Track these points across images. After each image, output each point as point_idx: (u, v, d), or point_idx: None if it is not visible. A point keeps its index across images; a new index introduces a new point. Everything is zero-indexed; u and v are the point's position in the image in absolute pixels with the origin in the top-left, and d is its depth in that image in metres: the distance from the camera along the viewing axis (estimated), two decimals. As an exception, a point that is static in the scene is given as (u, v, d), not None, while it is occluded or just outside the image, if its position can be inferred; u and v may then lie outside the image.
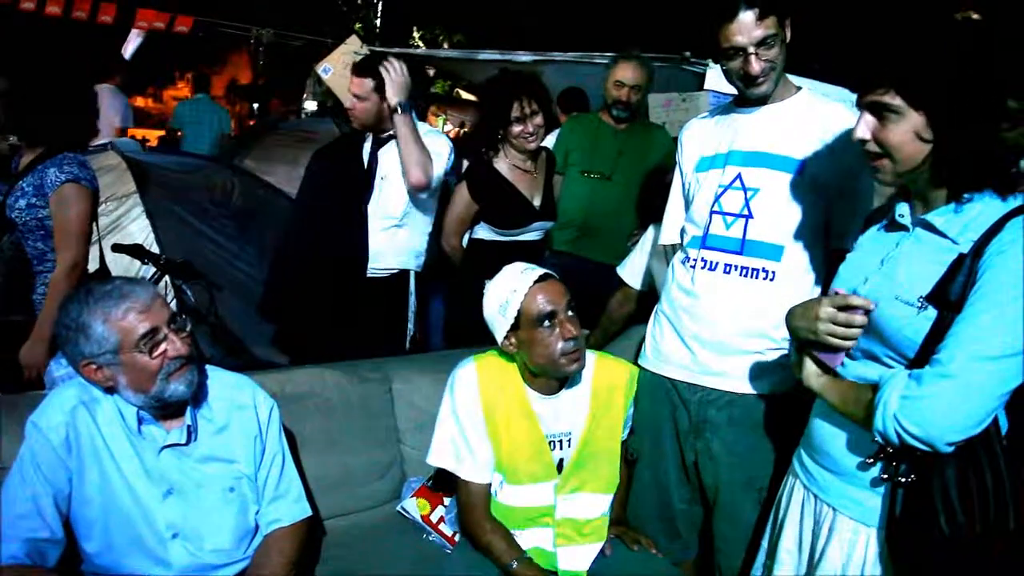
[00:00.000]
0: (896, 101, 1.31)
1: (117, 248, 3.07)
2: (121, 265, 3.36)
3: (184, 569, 1.67)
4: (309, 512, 1.88)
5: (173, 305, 3.28)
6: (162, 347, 1.61)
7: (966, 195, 1.33)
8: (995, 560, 1.25)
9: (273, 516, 1.81)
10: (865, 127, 1.36)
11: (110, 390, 1.64)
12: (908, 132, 1.31)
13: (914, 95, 1.30)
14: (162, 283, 3.18)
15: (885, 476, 1.37)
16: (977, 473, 1.26)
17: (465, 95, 13.54)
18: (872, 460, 1.39)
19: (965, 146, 1.29)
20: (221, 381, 1.82)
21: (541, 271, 1.92)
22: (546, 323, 1.86)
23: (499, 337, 1.93)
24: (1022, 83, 1.79)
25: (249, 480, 1.78)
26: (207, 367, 1.82)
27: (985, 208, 1.32)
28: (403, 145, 2.76)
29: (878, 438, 1.33)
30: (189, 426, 1.71)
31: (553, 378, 1.95)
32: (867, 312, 1.39)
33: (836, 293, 1.46)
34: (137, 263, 3.24)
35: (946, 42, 1.31)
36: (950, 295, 1.28)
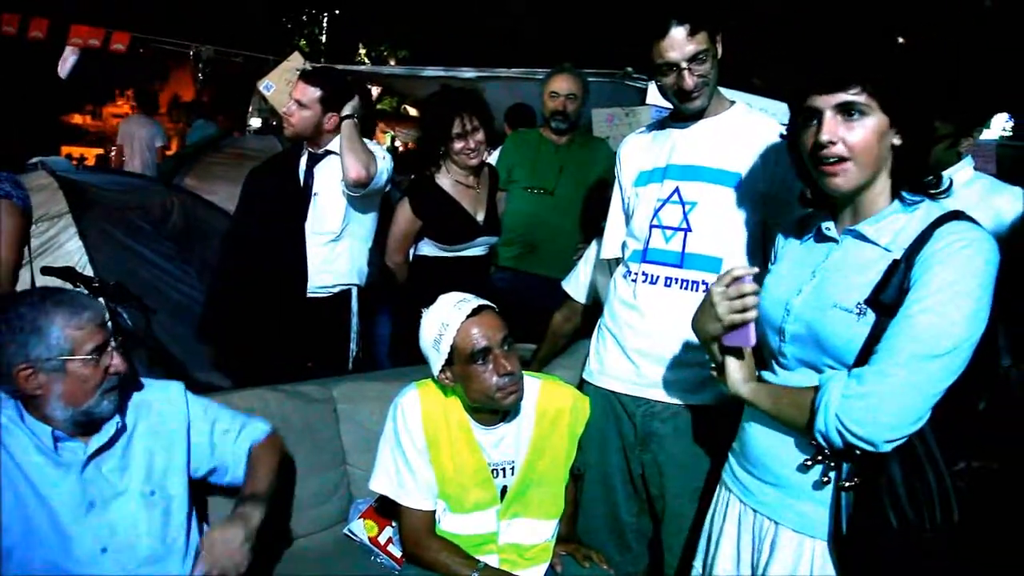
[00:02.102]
0: (866, 101, 1.32)
1: (47, 271, 2.96)
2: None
3: None
4: (270, 425, 2.00)
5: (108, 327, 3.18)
6: (106, 361, 1.64)
7: (909, 197, 1.38)
8: (945, 557, 1.28)
9: (246, 443, 1.92)
10: (831, 128, 1.35)
11: (27, 400, 1.62)
12: (873, 133, 1.33)
13: (886, 95, 1.32)
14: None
15: (826, 479, 1.37)
16: (919, 471, 1.29)
17: (413, 111, 13.52)
18: (811, 463, 1.39)
19: (920, 149, 1.35)
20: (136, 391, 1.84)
21: (475, 304, 1.87)
22: (479, 360, 1.83)
23: (435, 371, 1.90)
24: (947, 106, 1.88)
25: (176, 473, 1.78)
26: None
27: (911, 218, 1.37)
28: (348, 144, 2.72)
29: (819, 439, 1.34)
30: (117, 429, 1.71)
31: (492, 411, 1.93)
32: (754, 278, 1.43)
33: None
34: (69, 286, 3.13)
35: (917, 48, 1.36)
36: (886, 300, 1.32)
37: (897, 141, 1.36)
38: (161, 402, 1.83)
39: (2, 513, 1.56)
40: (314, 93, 2.82)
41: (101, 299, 2.94)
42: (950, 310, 1.26)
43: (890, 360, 1.27)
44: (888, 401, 1.26)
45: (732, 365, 1.51)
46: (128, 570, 1.66)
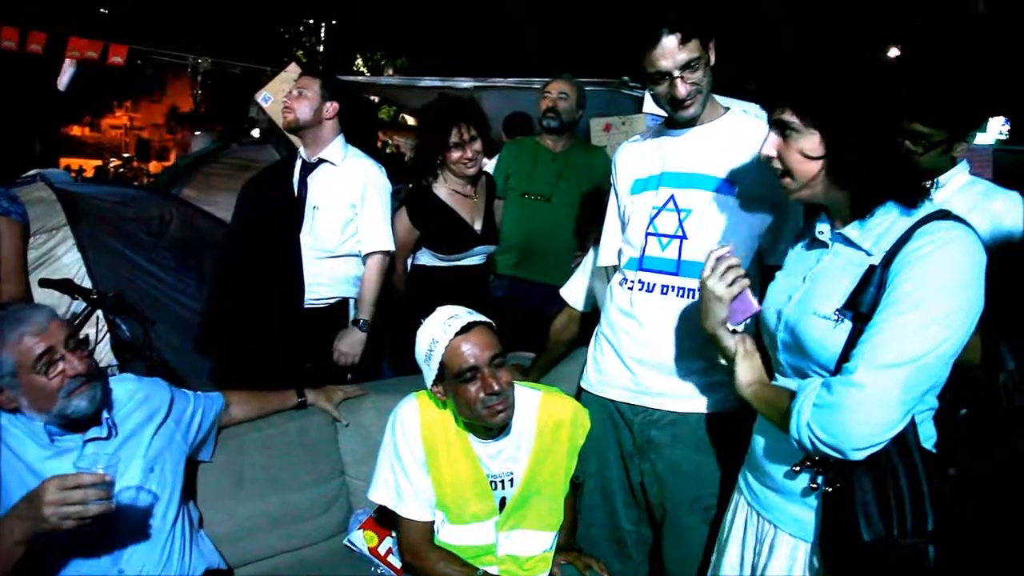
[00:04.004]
0: (793, 120, 1.37)
1: (45, 283, 2.97)
2: (51, 300, 3.24)
3: (136, 562, 1.75)
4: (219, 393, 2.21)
5: (107, 340, 3.19)
6: (60, 367, 1.67)
7: (869, 209, 1.38)
8: (920, 565, 1.27)
9: (212, 413, 2.12)
10: (770, 145, 1.42)
11: (14, 411, 1.70)
12: (803, 150, 1.37)
13: (807, 114, 1.35)
14: (94, 317, 3.07)
15: (813, 485, 1.39)
16: (894, 480, 1.28)
17: (411, 120, 13.57)
18: (799, 468, 1.41)
19: (860, 162, 1.34)
20: (121, 387, 1.92)
21: (466, 320, 1.85)
22: (467, 375, 1.81)
23: (428, 384, 1.91)
24: (927, 109, 1.88)
25: (172, 454, 1.90)
26: (111, 378, 1.92)
27: (898, 219, 1.36)
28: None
29: (795, 445, 1.35)
30: (108, 424, 1.80)
31: (485, 427, 1.93)
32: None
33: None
34: (67, 298, 3.14)
35: (839, 64, 1.38)
36: (861, 306, 1.31)
37: (818, 154, 1.36)
38: (152, 394, 1.95)
39: (9, 500, 1.60)
40: (314, 82, 2.85)
41: (85, 314, 2.95)
42: (918, 315, 1.24)
43: (858, 369, 1.26)
44: (854, 410, 1.25)
45: (740, 367, 1.52)
46: (129, 547, 1.75)
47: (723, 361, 1.60)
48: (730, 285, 1.49)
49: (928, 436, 1.37)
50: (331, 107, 2.83)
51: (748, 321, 1.54)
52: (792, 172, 1.40)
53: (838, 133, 1.34)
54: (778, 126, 1.40)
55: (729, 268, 1.50)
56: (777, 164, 1.42)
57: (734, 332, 1.54)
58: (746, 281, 1.50)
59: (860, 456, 1.27)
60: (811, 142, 1.36)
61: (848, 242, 1.41)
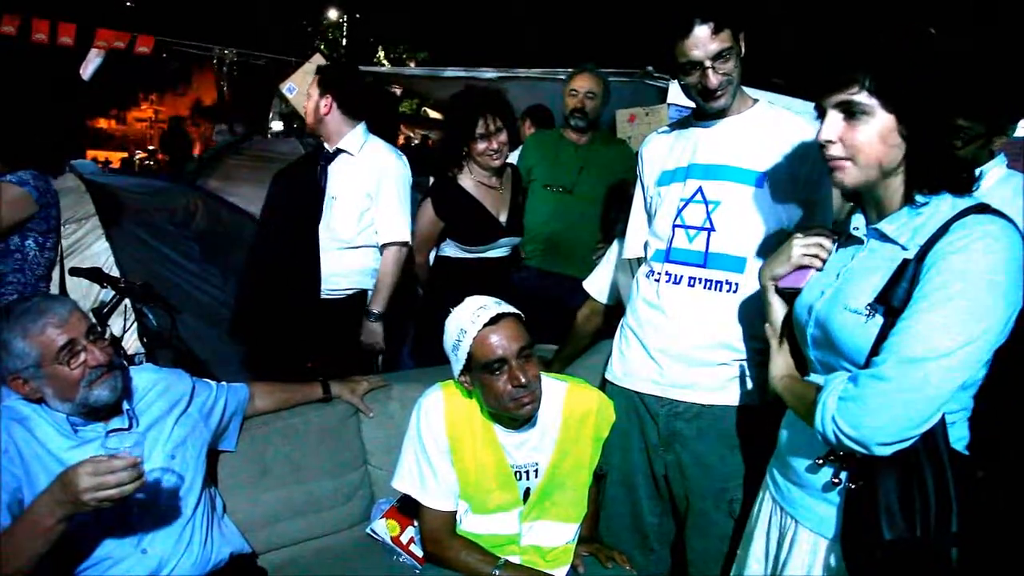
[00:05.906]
0: (868, 100, 1.31)
1: (75, 272, 3.01)
2: (81, 289, 3.29)
3: (159, 544, 1.79)
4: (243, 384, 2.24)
5: (135, 328, 3.23)
6: (81, 357, 1.71)
7: (920, 198, 1.34)
8: (941, 567, 1.24)
9: (236, 401, 2.15)
10: (831, 129, 1.35)
11: (39, 401, 1.74)
12: (876, 133, 1.31)
13: (888, 94, 1.29)
14: (122, 306, 3.11)
15: (836, 480, 1.37)
16: (919, 479, 1.25)
17: (433, 114, 13.58)
18: (822, 461, 1.39)
19: (933, 148, 1.30)
20: (142, 377, 1.96)
21: (495, 312, 1.84)
22: (495, 367, 1.81)
23: (455, 374, 1.91)
24: (972, 104, 1.85)
25: (192, 444, 1.92)
26: (131, 368, 1.97)
27: (934, 213, 1.32)
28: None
29: (819, 438, 1.33)
30: (129, 415, 1.83)
31: (511, 417, 1.92)
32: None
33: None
34: (96, 286, 3.18)
35: (924, 46, 1.32)
36: (893, 300, 1.28)
37: (900, 141, 1.31)
38: (172, 384, 1.99)
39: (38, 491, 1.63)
40: (315, 79, 2.88)
41: (113, 303, 3.01)
42: (949, 309, 1.21)
43: (886, 362, 1.24)
44: (879, 405, 1.23)
45: (775, 360, 1.51)
46: (151, 530, 1.79)
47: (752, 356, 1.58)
48: (806, 255, 1.52)
49: (960, 437, 1.34)
50: (326, 101, 2.84)
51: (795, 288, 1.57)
52: (858, 156, 1.33)
53: (925, 116, 1.29)
54: (843, 108, 1.33)
55: (818, 244, 1.52)
56: (838, 150, 1.35)
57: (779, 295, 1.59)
58: (818, 263, 1.52)
59: (885, 451, 1.25)
60: (888, 124, 1.31)
61: (883, 237, 1.38)
